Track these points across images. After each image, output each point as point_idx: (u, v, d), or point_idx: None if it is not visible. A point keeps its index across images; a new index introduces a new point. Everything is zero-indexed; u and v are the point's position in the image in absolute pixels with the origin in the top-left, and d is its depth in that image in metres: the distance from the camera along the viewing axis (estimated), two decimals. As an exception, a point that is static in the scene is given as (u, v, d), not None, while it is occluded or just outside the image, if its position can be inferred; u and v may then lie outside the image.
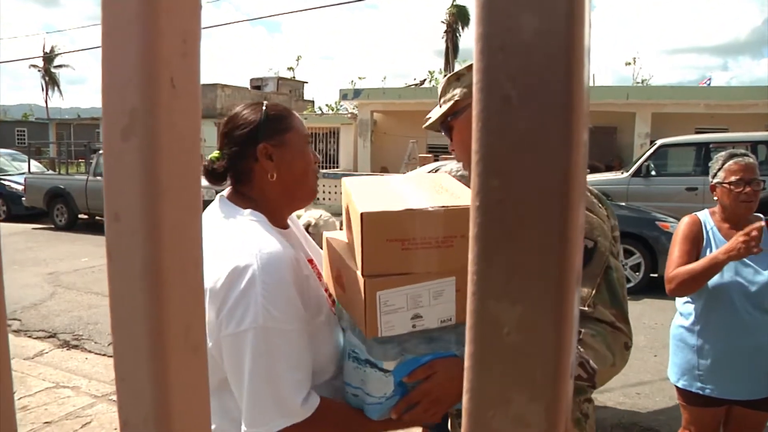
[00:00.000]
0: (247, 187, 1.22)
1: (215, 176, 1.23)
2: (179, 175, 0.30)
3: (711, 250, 2.22)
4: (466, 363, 0.23)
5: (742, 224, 2.22)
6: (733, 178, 2.19)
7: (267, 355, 1.03)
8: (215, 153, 1.24)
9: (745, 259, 2.17)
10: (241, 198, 1.22)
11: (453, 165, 2.20)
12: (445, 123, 1.39)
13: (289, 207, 1.28)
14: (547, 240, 0.21)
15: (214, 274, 1.07)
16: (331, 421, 1.12)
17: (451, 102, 1.34)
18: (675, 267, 2.25)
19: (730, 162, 2.23)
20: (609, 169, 11.92)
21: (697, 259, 2.24)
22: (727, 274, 2.17)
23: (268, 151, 1.19)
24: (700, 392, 2.26)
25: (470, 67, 1.32)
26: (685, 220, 2.35)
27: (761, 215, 2.28)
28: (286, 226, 1.29)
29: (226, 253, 1.08)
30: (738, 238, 2.03)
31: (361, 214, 1.02)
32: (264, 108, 1.23)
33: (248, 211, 1.17)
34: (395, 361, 1.10)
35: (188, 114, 0.30)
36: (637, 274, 6.58)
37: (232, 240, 1.11)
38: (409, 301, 1.06)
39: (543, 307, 0.21)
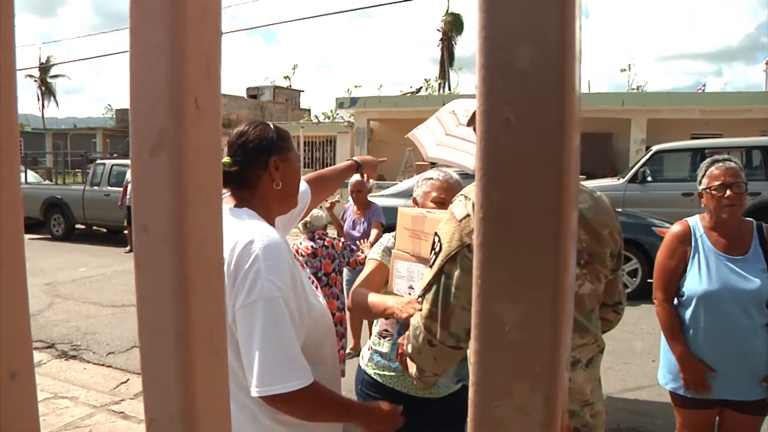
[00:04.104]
0: (249, 192, 1.40)
1: (227, 179, 1.37)
2: (203, 188, 0.32)
3: (699, 256, 2.24)
4: (472, 358, 0.25)
5: (731, 230, 2.24)
6: (715, 183, 2.21)
7: (275, 322, 1.18)
8: (226, 158, 1.39)
9: (734, 267, 2.19)
10: (238, 199, 1.40)
11: (450, 171, 2.25)
12: None
13: (278, 211, 1.49)
14: (544, 247, 0.24)
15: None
16: (324, 396, 1.28)
17: None
18: (660, 277, 2.33)
19: (712, 168, 2.25)
20: (602, 176, 11.96)
21: (684, 267, 2.27)
22: (716, 282, 2.19)
23: (277, 163, 1.40)
24: (689, 395, 2.28)
25: None
26: (675, 228, 2.36)
27: (752, 220, 2.30)
28: (273, 225, 1.45)
29: (231, 240, 1.24)
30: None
31: (398, 209, 1.80)
32: (273, 127, 1.46)
33: (244, 208, 1.36)
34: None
35: (211, 132, 0.32)
36: (634, 279, 6.60)
37: (235, 229, 1.27)
38: (407, 273, 1.71)
39: (541, 306, 0.24)
